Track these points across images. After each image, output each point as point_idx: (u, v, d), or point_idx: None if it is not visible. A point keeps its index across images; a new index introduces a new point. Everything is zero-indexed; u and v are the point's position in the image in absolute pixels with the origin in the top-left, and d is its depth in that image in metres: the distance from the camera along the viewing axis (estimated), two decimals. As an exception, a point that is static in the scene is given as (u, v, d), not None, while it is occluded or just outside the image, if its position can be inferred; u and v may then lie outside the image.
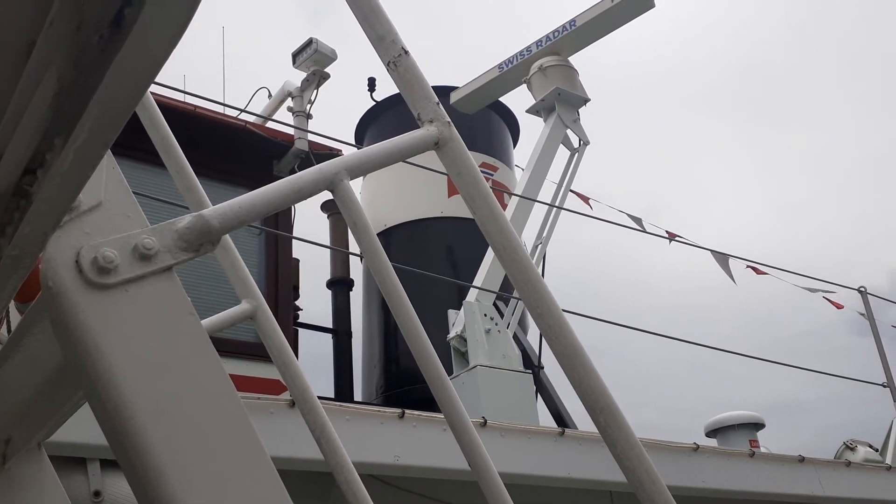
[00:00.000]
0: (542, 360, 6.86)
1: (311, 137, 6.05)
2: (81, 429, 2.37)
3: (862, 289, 7.65)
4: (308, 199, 1.45)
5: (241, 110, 6.01)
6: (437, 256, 8.15)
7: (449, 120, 1.52)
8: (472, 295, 6.33)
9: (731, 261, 7.38)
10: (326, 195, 1.64)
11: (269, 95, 6.73)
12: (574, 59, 7.37)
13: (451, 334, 6.21)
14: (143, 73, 0.77)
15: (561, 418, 6.61)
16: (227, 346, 5.21)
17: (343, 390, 7.55)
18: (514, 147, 9.35)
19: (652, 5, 6.91)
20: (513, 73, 7.48)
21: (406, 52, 1.50)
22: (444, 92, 7.91)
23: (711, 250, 7.40)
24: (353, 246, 8.26)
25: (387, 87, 8.88)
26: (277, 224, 5.76)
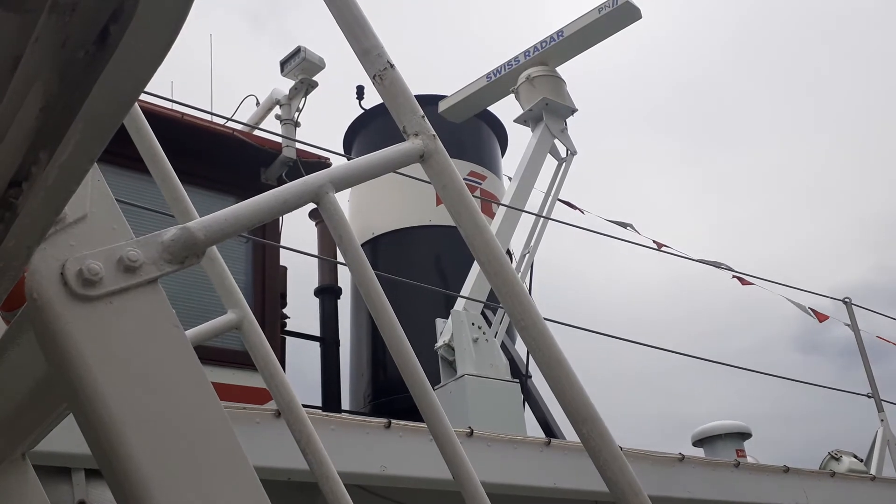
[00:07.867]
0: (530, 370, 6.87)
1: (298, 146, 6.05)
2: (66, 439, 2.36)
3: (847, 299, 7.70)
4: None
5: (228, 119, 6.01)
6: (426, 265, 8.15)
7: (434, 133, 1.53)
8: (459, 304, 6.34)
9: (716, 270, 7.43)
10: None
11: (258, 103, 6.73)
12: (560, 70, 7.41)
13: (439, 343, 6.21)
14: (129, 89, 0.78)
15: (549, 427, 6.62)
16: (213, 354, 5.19)
17: (330, 398, 7.53)
18: (503, 156, 9.38)
19: (639, 16, 6.97)
20: (501, 82, 7.51)
21: (391, 66, 1.51)
22: (432, 101, 7.93)
23: (704, 261, 7.44)
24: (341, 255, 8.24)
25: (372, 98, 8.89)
26: (265, 233, 5.76)
